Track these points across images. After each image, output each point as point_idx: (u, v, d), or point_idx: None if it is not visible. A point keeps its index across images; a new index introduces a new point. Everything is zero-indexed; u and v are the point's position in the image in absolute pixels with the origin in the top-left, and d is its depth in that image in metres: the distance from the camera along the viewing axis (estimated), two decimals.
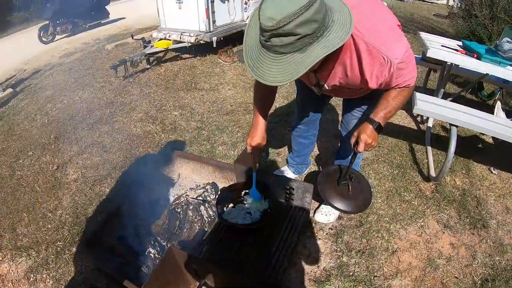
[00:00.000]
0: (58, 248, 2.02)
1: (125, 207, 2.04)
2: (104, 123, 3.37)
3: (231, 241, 1.68)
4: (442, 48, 2.64)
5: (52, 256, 1.97)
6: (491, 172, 2.69)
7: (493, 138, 3.13)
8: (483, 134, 3.18)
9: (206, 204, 1.99)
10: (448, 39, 3.27)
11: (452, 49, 2.67)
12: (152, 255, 1.82)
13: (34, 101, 4.05)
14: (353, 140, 1.39)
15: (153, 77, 4.52)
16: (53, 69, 5.13)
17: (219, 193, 1.89)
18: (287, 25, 0.92)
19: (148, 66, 4.75)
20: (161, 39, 4.86)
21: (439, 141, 3.03)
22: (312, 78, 1.42)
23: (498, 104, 2.20)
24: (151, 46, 4.63)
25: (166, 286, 1.48)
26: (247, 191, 1.82)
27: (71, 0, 7.18)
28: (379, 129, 1.35)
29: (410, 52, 1.23)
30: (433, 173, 2.59)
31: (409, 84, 1.30)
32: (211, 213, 1.93)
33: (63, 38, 7.20)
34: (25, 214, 2.32)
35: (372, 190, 1.65)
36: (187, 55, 5.24)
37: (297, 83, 1.94)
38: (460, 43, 2.88)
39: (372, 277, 1.79)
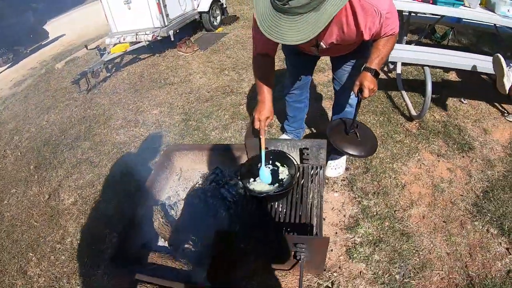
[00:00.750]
0: (82, 275, 1.94)
1: (137, 215, 2.00)
2: (83, 140, 3.22)
3: (263, 212, 1.74)
4: (401, 0, 2.82)
5: (78, 287, 1.89)
6: (462, 103, 2.97)
7: (457, 72, 3.43)
8: (446, 72, 3.48)
9: (226, 186, 2.02)
10: None
11: None
12: (189, 249, 1.81)
13: None
14: (356, 89, 1.50)
15: (118, 83, 4.35)
16: (7, 101, 4.74)
17: (239, 170, 1.92)
18: None
19: (109, 74, 4.56)
20: (115, 44, 4.67)
21: (410, 85, 3.26)
22: (312, 39, 1.50)
23: None
24: (108, 53, 4.44)
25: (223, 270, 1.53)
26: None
27: (7, 28, 6.63)
28: (376, 75, 1.48)
29: (392, 3, 1.38)
30: (414, 112, 2.81)
31: (394, 32, 1.45)
32: (233, 193, 1.97)
33: (6, 69, 6.65)
34: (31, 254, 2.16)
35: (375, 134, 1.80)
36: (145, 55, 5.07)
37: (285, 51, 2.00)
38: None
39: (393, 212, 1.96)
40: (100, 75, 4.38)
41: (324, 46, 1.54)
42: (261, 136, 1.69)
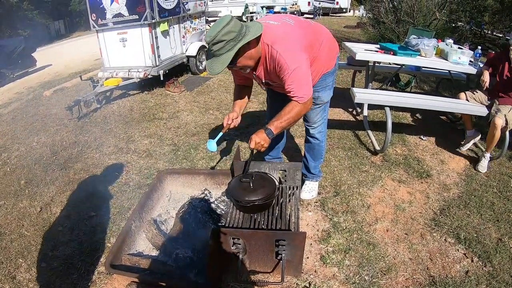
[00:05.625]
0: (75, 281, 2.00)
1: (130, 228, 2.16)
2: (75, 162, 3.37)
3: (249, 219, 1.97)
4: (366, 52, 3.38)
5: None
6: (422, 140, 3.46)
7: (420, 114, 3.98)
8: (411, 115, 4.03)
9: (215, 201, 2.26)
10: (367, 44, 4.09)
11: (374, 51, 3.43)
12: (180, 256, 2.01)
13: None
14: (250, 141, 1.82)
15: (108, 114, 4.58)
16: None
17: (228, 185, 2.17)
18: (217, 36, 1.60)
19: (99, 106, 4.80)
20: (107, 78, 4.98)
21: (374, 125, 3.75)
22: (255, 77, 2.03)
23: None
24: (101, 85, 4.72)
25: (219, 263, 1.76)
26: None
27: None
28: (270, 133, 1.81)
29: (307, 74, 1.78)
30: (377, 147, 3.24)
31: (298, 100, 1.78)
32: (222, 207, 2.21)
33: None
34: (21, 260, 2.20)
35: (276, 184, 1.96)
36: (134, 91, 5.38)
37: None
38: (378, 45, 3.67)
39: (361, 226, 2.26)
40: (92, 105, 4.61)
41: (265, 82, 2.01)
42: (227, 123, 2.13)
